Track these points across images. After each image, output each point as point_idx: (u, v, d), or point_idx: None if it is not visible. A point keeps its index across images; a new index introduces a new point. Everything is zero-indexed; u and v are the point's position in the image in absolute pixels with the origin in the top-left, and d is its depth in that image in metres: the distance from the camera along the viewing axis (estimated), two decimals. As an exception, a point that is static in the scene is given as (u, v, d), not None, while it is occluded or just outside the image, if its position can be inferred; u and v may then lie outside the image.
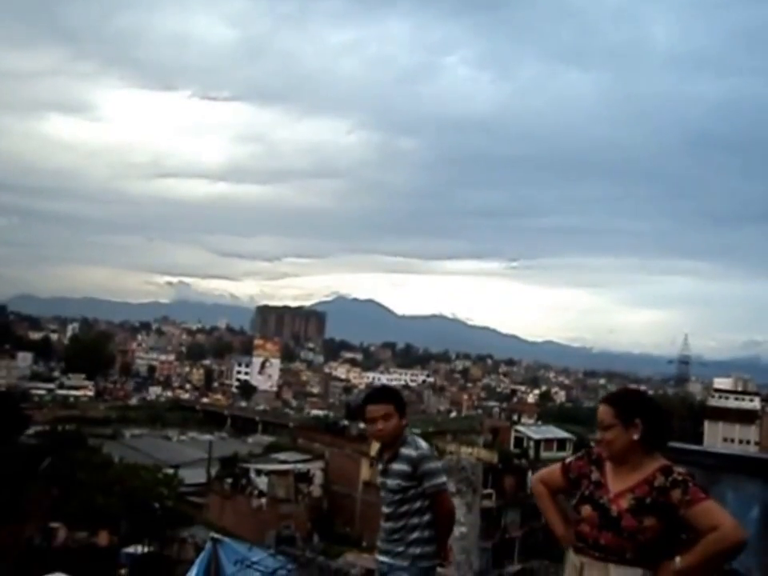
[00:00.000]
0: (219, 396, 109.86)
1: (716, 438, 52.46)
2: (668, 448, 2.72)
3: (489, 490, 30.30)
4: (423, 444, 3.33)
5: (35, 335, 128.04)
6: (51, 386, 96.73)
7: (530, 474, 35.69)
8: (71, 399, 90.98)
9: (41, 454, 25.74)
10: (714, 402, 69.51)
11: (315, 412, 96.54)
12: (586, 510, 2.61)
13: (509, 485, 35.05)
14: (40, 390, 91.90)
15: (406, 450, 3.26)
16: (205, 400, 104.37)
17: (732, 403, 65.38)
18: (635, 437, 2.56)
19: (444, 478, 3.36)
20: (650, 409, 2.65)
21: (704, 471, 4.30)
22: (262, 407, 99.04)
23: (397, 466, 3.26)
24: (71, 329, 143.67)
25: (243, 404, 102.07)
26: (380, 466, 3.40)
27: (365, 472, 35.19)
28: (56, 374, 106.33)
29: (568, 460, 2.86)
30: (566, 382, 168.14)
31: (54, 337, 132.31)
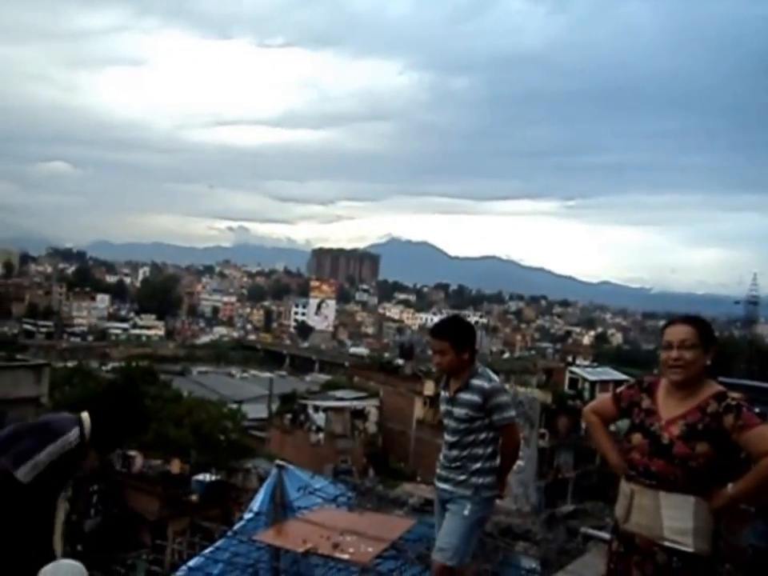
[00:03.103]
0: (266, 334, 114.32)
1: (783, 381, 50.54)
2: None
3: (542, 430, 30.46)
4: (495, 377, 3.36)
5: (111, 279, 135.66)
6: (126, 325, 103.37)
7: (584, 415, 35.58)
8: (144, 338, 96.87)
9: (118, 388, 27.52)
10: (784, 344, 66.64)
11: (353, 350, 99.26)
12: (637, 437, 2.62)
13: (562, 425, 35.08)
14: (116, 329, 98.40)
15: (477, 381, 3.28)
16: (251, 337, 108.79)
17: (803, 346, 62.49)
18: (708, 362, 2.56)
19: (513, 412, 3.39)
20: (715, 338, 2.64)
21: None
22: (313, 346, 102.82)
23: (467, 396, 3.28)
24: (143, 272, 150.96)
25: (302, 344, 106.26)
26: (445, 394, 3.41)
27: (418, 410, 36.00)
28: (129, 314, 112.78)
29: (619, 389, 2.86)
30: (624, 323, 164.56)
31: (128, 280, 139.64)
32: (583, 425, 36.19)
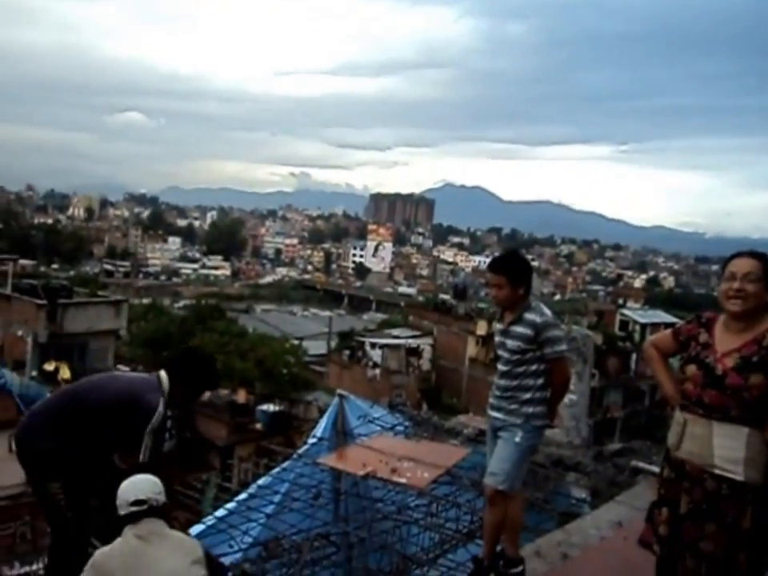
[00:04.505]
0: (319, 274, 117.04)
1: None
2: None
3: (593, 371, 30.18)
4: (547, 311, 3.40)
5: (181, 222, 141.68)
6: (195, 266, 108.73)
7: (634, 356, 35.05)
8: (211, 278, 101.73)
9: (189, 323, 29.10)
10: None
11: (402, 290, 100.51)
12: (691, 369, 2.65)
13: (612, 366, 34.71)
14: (186, 269, 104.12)
15: (530, 315, 3.34)
16: (306, 276, 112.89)
17: None
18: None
19: (564, 346, 3.44)
20: None
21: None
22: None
23: (519, 329, 3.36)
24: (210, 216, 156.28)
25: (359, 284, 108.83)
26: (499, 326, 3.49)
27: (471, 349, 36.32)
28: (198, 255, 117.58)
29: (678, 324, 2.89)
30: (676, 267, 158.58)
31: (197, 223, 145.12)
32: (633, 366, 35.76)
